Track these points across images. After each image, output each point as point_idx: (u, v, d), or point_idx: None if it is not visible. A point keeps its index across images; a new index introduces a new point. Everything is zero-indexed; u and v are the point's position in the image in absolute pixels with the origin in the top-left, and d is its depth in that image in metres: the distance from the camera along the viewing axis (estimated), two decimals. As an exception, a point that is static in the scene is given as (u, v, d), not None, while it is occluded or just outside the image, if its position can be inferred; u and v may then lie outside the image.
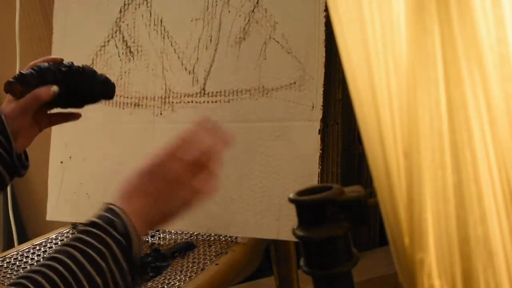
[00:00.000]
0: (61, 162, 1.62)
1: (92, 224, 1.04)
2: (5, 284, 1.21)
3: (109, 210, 1.04)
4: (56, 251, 1.02)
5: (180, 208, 1.08)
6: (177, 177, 1.07)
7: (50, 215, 1.64)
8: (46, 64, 1.29)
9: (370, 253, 1.51)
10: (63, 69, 1.28)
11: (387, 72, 0.61)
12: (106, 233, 1.01)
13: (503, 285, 0.59)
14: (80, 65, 1.29)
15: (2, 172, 1.27)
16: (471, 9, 0.54)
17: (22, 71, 1.28)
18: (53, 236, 1.58)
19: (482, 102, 0.56)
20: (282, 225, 1.26)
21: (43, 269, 1.00)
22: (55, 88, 1.29)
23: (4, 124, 1.26)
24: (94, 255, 1.01)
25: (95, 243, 1.01)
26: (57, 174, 1.63)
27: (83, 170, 1.59)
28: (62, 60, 1.31)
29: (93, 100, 1.32)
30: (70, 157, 1.61)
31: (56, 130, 1.64)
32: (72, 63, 1.29)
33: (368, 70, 0.62)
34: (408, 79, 0.59)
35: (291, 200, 0.69)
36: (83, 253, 1.01)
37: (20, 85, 1.27)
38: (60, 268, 0.99)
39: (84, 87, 1.29)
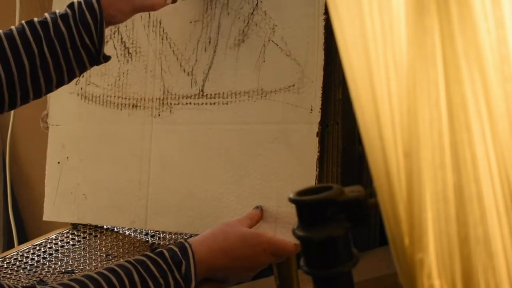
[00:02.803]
0: (58, 163, 1.62)
1: (160, 254, 1.07)
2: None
3: (182, 249, 1.08)
4: (117, 265, 1.05)
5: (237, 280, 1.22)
6: (258, 267, 1.18)
7: (47, 216, 1.64)
8: None
9: (370, 253, 1.51)
10: None
11: (387, 72, 0.61)
12: (170, 270, 1.05)
13: (503, 285, 0.59)
14: None
15: (86, 65, 1.30)
16: (471, 9, 0.54)
17: None
18: (53, 236, 1.58)
19: (482, 102, 0.56)
20: (280, 226, 1.26)
21: (97, 276, 1.02)
22: (169, 1, 1.37)
23: (102, 21, 1.28)
24: (151, 283, 1.04)
25: (156, 274, 1.05)
26: (54, 175, 1.63)
27: (80, 171, 1.59)
28: None
29: None
30: (67, 158, 1.61)
31: (54, 131, 1.64)
32: None
33: (368, 70, 0.62)
34: (408, 79, 0.59)
35: (291, 200, 0.69)
36: (141, 277, 1.04)
37: None
38: (114, 280, 1.02)
39: None
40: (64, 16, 1.27)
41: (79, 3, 1.28)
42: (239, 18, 1.36)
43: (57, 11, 1.28)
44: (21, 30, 1.24)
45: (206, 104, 1.39)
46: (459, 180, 0.58)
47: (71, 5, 1.28)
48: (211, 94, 1.38)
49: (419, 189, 0.61)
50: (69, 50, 1.26)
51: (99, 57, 1.29)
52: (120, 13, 1.31)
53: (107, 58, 1.31)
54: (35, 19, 1.27)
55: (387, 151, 0.63)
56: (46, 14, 1.28)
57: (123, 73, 1.54)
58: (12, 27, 1.26)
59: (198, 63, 1.41)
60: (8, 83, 1.21)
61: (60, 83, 1.29)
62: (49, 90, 1.29)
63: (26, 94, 1.25)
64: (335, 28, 0.66)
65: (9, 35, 1.23)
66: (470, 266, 0.60)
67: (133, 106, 1.51)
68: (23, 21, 1.27)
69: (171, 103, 1.45)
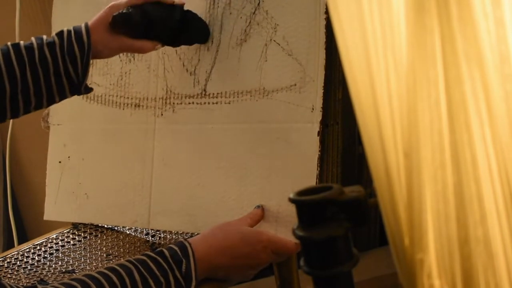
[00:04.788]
0: (60, 162, 1.62)
1: (161, 254, 1.07)
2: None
3: (183, 248, 1.08)
4: (118, 264, 1.05)
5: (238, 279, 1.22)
6: (259, 265, 1.18)
7: (48, 215, 1.65)
8: (150, 6, 1.34)
9: (370, 253, 1.51)
10: (175, 15, 1.35)
11: (387, 72, 0.61)
12: (170, 269, 1.05)
13: (503, 286, 0.59)
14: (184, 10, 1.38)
15: (66, 90, 1.31)
16: (471, 9, 0.54)
17: (129, 11, 1.32)
18: (54, 236, 1.58)
19: (482, 102, 0.56)
20: (280, 225, 1.26)
21: (98, 276, 1.02)
22: (159, 46, 1.37)
23: (89, 54, 1.29)
24: (152, 282, 1.04)
25: (157, 273, 1.05)
26: (55, 174, 1.63)
27: (82, 170, 1.59)
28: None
29: (190, 43, 1.42)
30: (69, 157, 1.61)
31: (55, 130, 1.64)
32: (179, 7, 1.37)
33: (368, 70, 0.62)
34: (408, 79, 0.59)
35: (291, 200, 0.69)
36: (142, 276, 1.04)
37: (125, 27, 1.32)
38: (115, 279, 1.02)
39: (189, 33, 1.39)
40: (51, 44, 1.28)
41: (69, 32, 1.29)
42: (241, 17, 1.36)
43: (45, 37, 1.30)
44: (6, 52, 1.26)
45: (209, 103, 1.39)
46: (459, 180, 0.58)
47: (60, 34, 1.29)
48: (213, 94, 1.38)
49: (419, 189, 0.61)
50: (52, 77, 1.27)
51: (80, 88, 1.31)
52: (107, 49, 1.33)
53: (88, 90, 1.33)
54: (21, 42, 1.28)
55: (387, 151, 0.63)
56: (33, 39, 1.29)
57: (125, 73, 1.54)
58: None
59: (201, 62, 1.41)
60: None
61: (39, 107, 1.31)
62: (27, 112, 1.31)
63: (3, 114, 1.27)
64: (335, 28, 0.65)
65: None
66: (470, 266, 0.60)
67: (135, 106, 1.51)
68: (9, 43, 1.28)
69: (174, 103, 1.45)
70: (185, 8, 1.38)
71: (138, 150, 1.50)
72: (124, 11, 1.32)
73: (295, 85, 1.28)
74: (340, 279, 0.70)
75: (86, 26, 1.30)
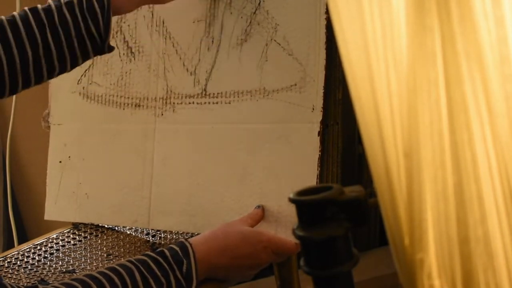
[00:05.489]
0: (60, 162, 1.62)
1: (162, 254, 1.07)
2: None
3: (183, 248, 1.08)
4: (119, 264, 1.05)
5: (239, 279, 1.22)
6: (259, 265, 1.18)
7: (48, 215, 1.64)
8: None
9: (370, 253, 1.51)
10: None
11: (387, 72, 0.61)
12: (171, 269, 1.05)
13: (503, 286, 0.59)
14: None
15: (90, 54, 1.27)
16: (471, 9, 0.54)
17: None
18: (54, 236, 1.58)
19: (482, 102, 0.56)
20: (280, 226, 1.26)
21: (99, 276, 1.02)
22: None
23: (109, 9, 1.25)
24: (152, 283, 1.04)
25: (158, 273, 1.05)
26: (55, 174, 1.63)
27: (82, 170, 1.59)
28: None
29: None
30: (69, 157, 1.61)
31: (55, 130, 1.64)
32: None
33: (368, 70, 0.62)
34: (408, 79, 0.59)
35: (291, 200, 0.69)
36: (143, 277, 1.04)
37: None
38: (116, 280, 1.02)
39: None
40: (69, 4, 1.24)
41: None
42: (241, 17, 1.36)
43: None
44: (24, 17, 1.22)
45: (209, 103, 1.39)
46: (459, 180, 0.58)
47: None
48: (214, 94, 1.38)
49: (419, 189, 0.61)
50: (74, 38, 1.23)
51: (103, 47, 1.27)
52: (127, 2, 1.30)
53: (111, 48, 1.29)
54: (39, 6, 1.24)
55: (387, 151, 0.63)
56: (50, 1, 1.25)
57: (126, 73, 1.54)
58: (15, 13, 1.23)
59: (201, 62, 1.41)
60: (10, 70, 1.18)
61: (62, 71, 1.26)
62: (51, 77, 1.26)
63: (28, 81, 1.22)
64: (335, 28, 0.66)
65: (12, 21, 1.21)
66: (470, 266, 0.60)
67: (136, 106, 1.51)
68: (26, 8, 1.24)
69: (174, 103, 1.45)
70: (187, 7, 1.38)
71: (138, 150, 1.50)
72: None
73: (296, 85, 1.28)
74: (340, 279, 0.70)
75: None
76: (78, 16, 1.23)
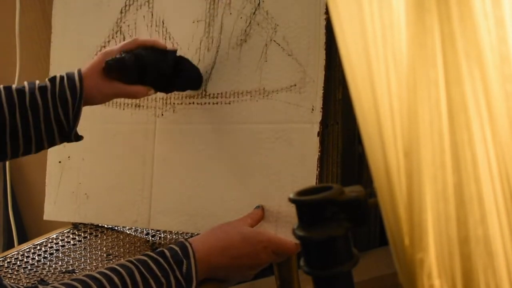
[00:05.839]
0: (60, 162, 1.62)
1: (162, 254, 1.07)
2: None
3: (183, 248, 1.09)
4: (119, 264, 1.05)
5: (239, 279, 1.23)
6: (259, 265, 1.18)
7: (48, 215, 1.64)
8: (143, 52, 1.34)
9: (370, 253, 1.51)
10: (168, 60, 1.36)
11: (387, 72, 0.61)
12: (171, 270, 1.06)
13: (503, 285, 0.59)
14: (177, 54, 1.38)
15: (56, 137, 1.30)
16: (471, 9, 0.54)
17: (122, 56, 1.32)
18: (54, 236, 1.58)
19: (482, 102, 0.56)
20: (280, 226, 1.26)
21: (99, 276, 1.02)
22: (152, 92, 1.37)
23: (81, 100, 1.29)
24: (152, 283, 1.04)
25: (158, 273, 1.05)
26: (55, 174, 1.63)
27: (82, 170, 1.59)
28: (162, 46, 1.38)
29: (183, 89, 1.42)
30: (69, 157, 1.61)
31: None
32: (172, 53, 1.37)
33: (368, 70, 0.62)
34: (408, 79, 0.59)
35: (291, 200, 0.69)
36: (143, 277, 1.04)
37: (118, 72, 1.32)
38: (116, 280, 1.02)
39: (182, 79, 1.39)
40: (42, 88, 1.28)
41: (61, 78, 1.29)
42: (241, 18, 1.36)
43: (37, 82, 1.29)
44: None
45: (209, 103, 1.39)
46: (459, 180, 0.58)
47: (52, 79, 1.29)
48: (213, 94, 1.38)
49: (419, 189, 0.61)
50: (41, 123, 1.27)
51: (70, 135, 1.30)
52: (100, 95, 1.33)
53: (78, 138, 1.33)
54: (13, 86, 1.28)
55: (387, 151, 0.63)
56: (25, 83, 1.29)
57: (126, 73, 1.54)
58: None
59: (201, 63, 1.41)
60: None
61: (27, 153, 1.30)
62: (15, 156, 1.29)
63: None
64: (335, 28, 0.66)
65: None
66: (470, 266, 0.60)
67: (136, 106, 1.51)
68: (0, 86, 1.28)
69: (174, 103, 1.45)
70: (186, 7, 1.38)
71: (139, 150, 1.50)
72: (117, 56, 1.32)
73: (295, 85, 1.28)
74: (340, 279, 0.70)
75: (79, 72, 1.30)
76: (49, 101, 1.27)
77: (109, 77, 1.31)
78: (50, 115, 1.27)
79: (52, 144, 1.31)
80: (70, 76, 1.29)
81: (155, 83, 1.36)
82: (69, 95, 1.27)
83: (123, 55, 1.32)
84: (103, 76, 1.31)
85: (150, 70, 1.33)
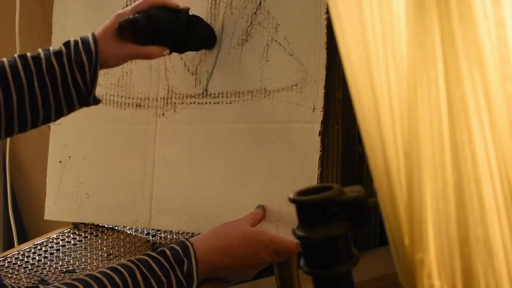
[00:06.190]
0: (60, 162, 1.62)
1: (163, 254, 1.07)
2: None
3: (184, 247, 1.09)
4: (119, 264, 1.05)
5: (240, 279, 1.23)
6: (260, 265, 1.18)
7: (48, 215, 1.65)
8: (155, 11, 1.34)
9: (370, 253, 1.51)
10: (181, 19, 1.35)
11: (387, 72, 0.61)
12: (172, 269, 1.06)
13: (503, 285, 0.59)
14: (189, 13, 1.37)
15: (75, 105, 1.30)
16: (471, 9, 0.54)
17: (135, 17, 1.32)
18: (54, 236, 1.58)
19: (482, 102, 0.56)
20: (281, 225, 1.26)
21: (100, 276, 1.02)
22: (167, 52, 1.36)
23: (97, 63, 1.29)
24: (153, 282, 1.04)
25: (159, 273, 1.06)
26: (56, 174, 1.63)
27: (82, 170, 1.59)
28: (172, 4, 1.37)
29: (197, 49, 1.41)
30: (70, 157, 1.61)
31: (56, 130, 1.64)
32: (185, 11, 1.36)
33: (368, 70, 0.62)
34: (408, 79, 0.59)
35: (291, 200, 0.69)
36: (144, 276, 1.04)
37: (131, 33, 1.32)
38: (117, 279, 1.02)
39: (195, 37, 1.38)
40: (58, 54, 1.28)
41: (76, 42, 1.29)
42: (242, 17, 1.36)
43: (51, 48, 1.29)
44: (13, 64, 1.25)
45: (210, 103, 1.39)
46: (459, 180, 0.58)
47: (67, 44, 1.29)
48: (215, 94, 1.39)
49: (419, 189, 0.61)
50: (60, 88, 1.26)
51: (89, 98, 1.30)
52: (115, 57, 1.32)
53: (97, 101, 1.33)
54: (28, 54, 1.28)
55: (387, 151, 0.63)
56: (40, 50, 1.29)
57: (127, 73, 1.54)
58: (4, 59, 1.27)
59: (202, 62, 1.41)
60: None
61: (47, 120, 1.30)
62: (35, 125, 1.29)
63: (11, 127, 1.26)
64: (336, 28, 0.66)
65: (0, 67, 1.24)
66: (470, 266, 0.60)
67: (137, 106, 1.51)
68: (15, 55, 1.28)
69: (175, 103, 1.45)
70: (189, 12, 1.38)
71: (139, 150, 1.50)
72: (130, 17, 1.32)
73: (296, 85, 1.28)
74: (340, 279, 0.70)
75: (93, 35, 1.29)
76: (66, 66, 1.27)
77: (122, 39, 1.31)
78: (68, 79, 1.26)
79: (71, 109, 1.31)
80: (84, 40, 1.29)
81: (169, 43, 1.36)
82: (85, 58, 1.27)
83: (135, 16, 1.32)
84: (117, 38, 1.31)
85: (163, 29, 1.33)
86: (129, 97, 1.53)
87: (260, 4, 1.34)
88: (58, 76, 1.26)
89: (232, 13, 1.38)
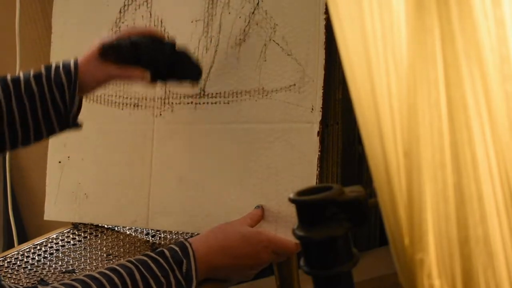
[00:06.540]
0: (59, 162, 1.62)
1: (161, 254, 1.07)
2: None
3: (183, 248, 1.09)
4: (118, 265, 1.05)
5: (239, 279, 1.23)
6: (259, 265, 1.18)
7: (48, 215, 1.64)
8: (139, 39, 1.33)
9: (370, 253, 1.51)
10: (166, 49, 1.34)
11: (387, 72, 0.61)
12: (171, 269, 1.06)
13: (503, 285, 0.59)
14: (175, 46, 1.35)
15: (54, 122, 1.29)
16: (471, 9, 0.54)
17: (118, 41, 1.31)
18: (54, 236, 1.58)
19: (482, 102, 0.56)
20: (280, 226, 1.26)
21: (99, 276, 1.02)
22: (147, 76, 1.33)
23: (76, 83, 1.28)
24: (152, 283, 1.04)
25: (158, 273, 1.06)
26: (55, 174, 1.63)
27: (81, 170, 1.59)
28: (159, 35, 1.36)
29: (180, 80, 1.38)
30: (69, 157, 1.61)
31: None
32: (170, 43, 1.35)
33: (368, 70, 0.62)
34: (408, 79, 0.59)
35: (291, 200, 0.70)
36: (143, 277, 1.04)
37: (114, 57, 1.31)
38: (116, 280, 1.02)
39: (181, 71, 1.36)
40: (37, 75, 1.28)
41: (57, 65, 1.29)
42: (240, 17, 1.36)
43: (32, 70, 1.29)
44: None
45: (208, 103, 1.39)
46: (459, 180, 0.58)
47: (48, 66, 1.29)
48: (212, 94, 1.38)
49: (419, 189, 0.61)
50: (38, 108, 1.26)
51: (68, 119, 1.29)
52: (95, 79, 1.31)
53: (77, 125, 1.32)
54: (8, 76, 1.28)
55: (387, 151, 0.63)
56: (20, 73, 1.29)
57: (125, 73, 1.54)
58: None
59: (199, 62, 1.41)
60: None
61: (26, 142, 1.29)
62: (14, 146, 1.29)
63: None
64: (335, 28, 0.66)
65: None
66: (470, 266, 0.60)
67: (134, 106, 1.51)
68: None
69: (172, 103, 1.45)
70: (185, 7, 1.38)
71: (137, 150, 1.50)
72: (114, 42, 1.32)
73: (295, 85, 1.28)
74: (340, 279, 0.70)
75: (75, 59, 1.30)
76: (45, 86, 1.27)
77: (104, 60, 1.31)
78: (46, 98, 1.26)
79: (51, 131, 1.30)
80: (65, 63, 1.29)
81: (151, 70, 1.35)
82: (64, 79, 1.27)
83: (119, 41, 1.32)
84: (99, 61, 1.31)
85: (146, 57, 1.32)
86: (126, 97, 1.53)
87: (258, 4, 1.34)
88: (37, 96, 1.26)
89: (229, 13, 1.38)
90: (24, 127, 1.27)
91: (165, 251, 1.09)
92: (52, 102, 1.27)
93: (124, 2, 1.55)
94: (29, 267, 1.45)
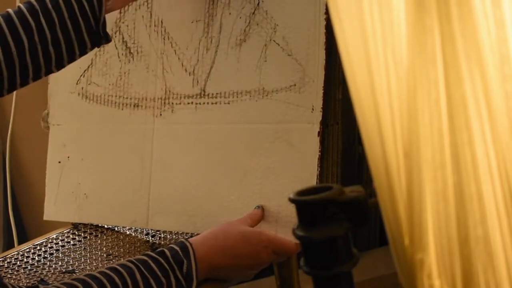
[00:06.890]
0: (59, 162, 1.62)
1: (162, 254, 1.07)
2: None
3: (183, 248, 1.09)
4: (119, 264, 1.05)
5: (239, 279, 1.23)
6: (259, 265, 1.19)
7: (48, 215, 1.64)
8: None
9: (370, 253, 1.51)
10: None
11: (387, 72, 0.61)
12: (171, 269, 1.06)
13: (503, 285, 0.59)
14: None
15: (86, 39, 1.25)
16: (471, 9, 0.54)
17: None
18: (54, 236, 1.58)
19: (482, 102, 0.56)
20: (280, 226, 1.26)
21: (100, 276, 1.02)
22: None
23: None
24: (153, 283, 1.04)
25: (158, 273, 1.06)
26: (55, 174, 1.63)
27: (81, 170, 1.59)
28: None
29: None
30: (68, 157, 1.61)
31: (55, 130, 1.64)
32: None
33: (368, 70, 0.62)
34: (408, 79, 0.59)
35: (291, 200, 0.69)
36: (143, 277, 1.04)
37: None
38: (117, 279, 1.02)
39: None
40: None
41: None
42: (240, 17, 1.36)
43: None
44: (17, 9, 1.21)
45: (208, 103, 1.39)
46: (459, 180, 0.58)
47: None
48: (212, 94, 1.38)
49: (419, 189, 0.61)
50: (67, 20, 1.22)
51: (98, 29, 1.25)
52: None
53: (107, 37, 1.28)
54: None
55: (387, 151, 0.63)
56: None
57: (125, 73, 1.54)
58: (9, 9, 1.23)
59: (200, 62, 1.41)
60: (6, 60, 1.17)
61: (59, 62, 1.25)
62: (49, 69, 1.24)
63: (25, 72, 1.20)
64: (335, 28, 0.66)
65: (5, 15, 1.20)
66: (470, 266, 0.60)
67: (134, 106, 1.51)
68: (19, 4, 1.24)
69: (172, 103, 1.45)
70: (185, 7, 1.38)
71: (137, 150, 1.50)
72: None
73: (295, 85, 1.28)
74: (340, 279, 0.70)
75: None
76: None
77: None
78: (75, 9, 1.22)
79: (83, 47, 1.26)
80: None
81: None
82: None
83: None
84: None
85: None
86: (126, 97, 1.53)
87: (258, 4, 1.34)
88: (64, 10, 1.22)
89: (230, 13, 1.38)
90: (55, 44, 1.22)
91: (166, 251, 1.09)
92: (81, 12, 1.23)
93: (124, 2, 1.55)
94: (29, 267, 1.45)
